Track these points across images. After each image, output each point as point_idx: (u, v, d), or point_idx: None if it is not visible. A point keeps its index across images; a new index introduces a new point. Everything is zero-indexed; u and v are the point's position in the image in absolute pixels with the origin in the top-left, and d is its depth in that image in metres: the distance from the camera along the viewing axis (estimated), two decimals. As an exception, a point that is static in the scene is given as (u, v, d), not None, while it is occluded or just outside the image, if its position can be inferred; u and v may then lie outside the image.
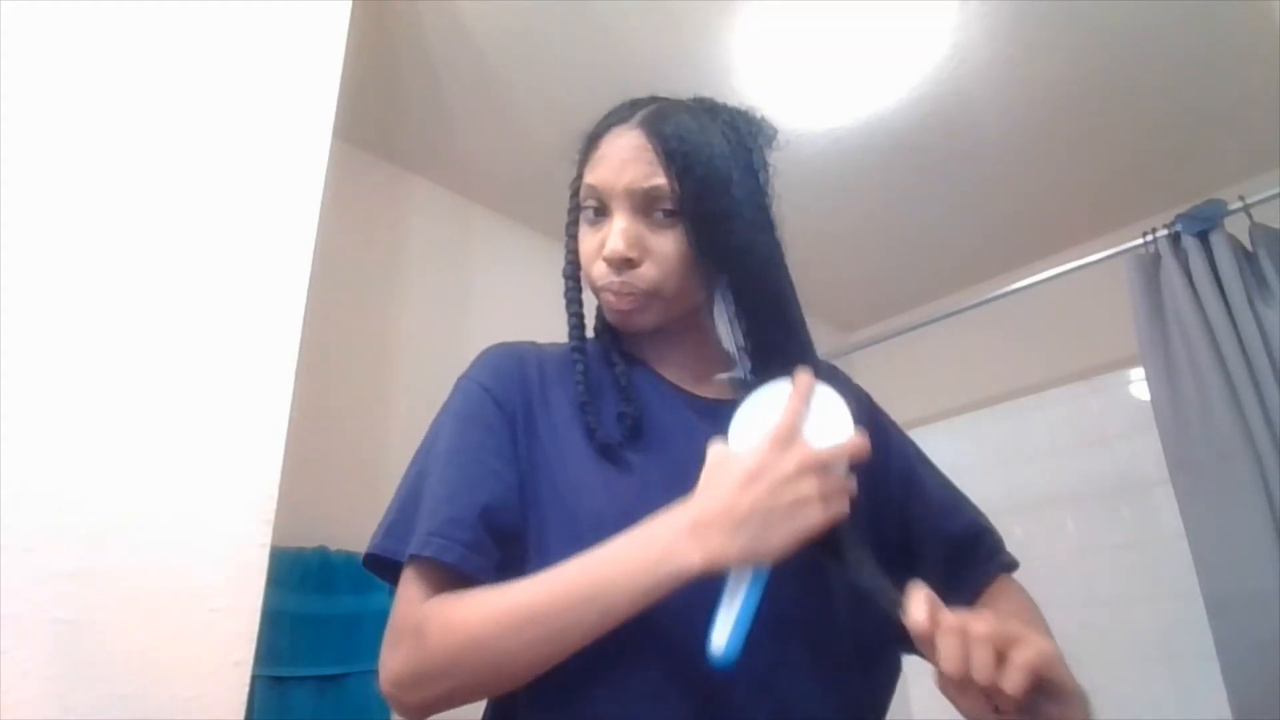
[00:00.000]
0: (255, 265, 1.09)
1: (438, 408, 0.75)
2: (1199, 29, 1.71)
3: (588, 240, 0.73)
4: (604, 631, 0.56)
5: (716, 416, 0.66)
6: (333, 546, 1.60)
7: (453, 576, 0.62)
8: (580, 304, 0.76)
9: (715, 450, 0.61)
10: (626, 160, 0.69)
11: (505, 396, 0.70)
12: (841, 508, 0.58)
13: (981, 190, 2.25)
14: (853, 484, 0.60)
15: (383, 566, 0.66)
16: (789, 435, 0.59)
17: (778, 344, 0.68)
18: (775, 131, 0.77)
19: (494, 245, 2.24)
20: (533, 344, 0.78)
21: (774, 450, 0.58)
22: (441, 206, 2.17)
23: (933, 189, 2.25)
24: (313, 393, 1.21)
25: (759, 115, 0.78)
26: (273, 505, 1.01)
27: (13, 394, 0.84)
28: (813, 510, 0.56)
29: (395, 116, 1.92)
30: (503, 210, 2.25)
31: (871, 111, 1.95)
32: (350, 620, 1.56)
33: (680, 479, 0.61)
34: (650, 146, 0.69)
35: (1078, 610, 2.18)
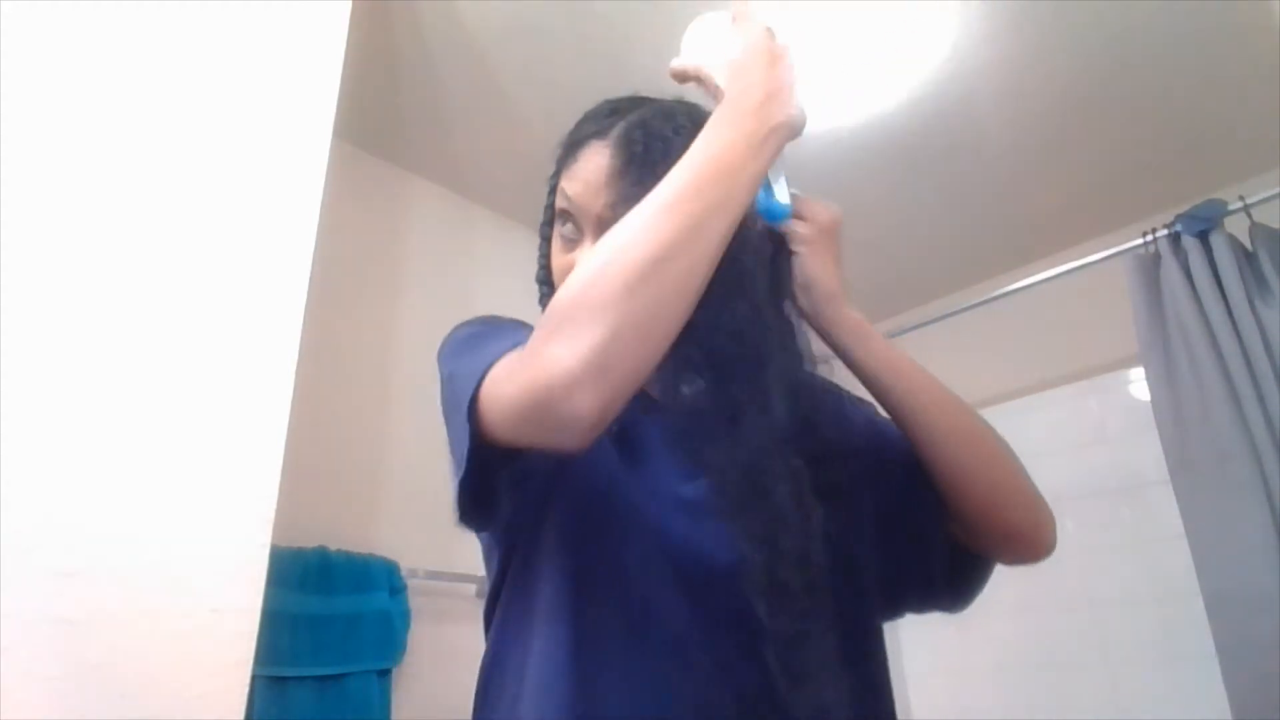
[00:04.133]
0: (255, 265, 1.09)
1: (438, 407, 0.73)
2: (1199, 30, 1.71)
3: (561, 257, 0.71)
4: (732, 227, 0.57)
5: (666, 424, 0.68)
6: (333, 546, 1.60)
7: None
8: None
9: (713, 44, 0.73)
10: (603, 184, 0.67)
11: (509, 322, 0.69)
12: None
13: (981, 190, 2.25)
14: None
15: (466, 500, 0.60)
16: (771, 33, 0.70)
17: (736, 368, 0.64)
18: None
19: (494, 245, 2.24)
20: None
21: (771, 39, 0.69)
22: (441, 206, 2.17)
23: (932, 189, 2.25)
24: (313, 393, 1.21)
25: None
26: (273, 505, 1.01)
27: (13, 393, 0.84)
28: (794, 92, 0.67)
29: (395, 116, 1.92)
30: (503, 210, 2.25)
31: (872, 112, 1.95)
32: (350, 620, 1.56)
33: (663, 480, 0.63)
34: (623, 169, 0.67)
35: (1078, 610, 2.18)
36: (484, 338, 0.63)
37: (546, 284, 0.75)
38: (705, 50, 0.75)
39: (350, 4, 1.33)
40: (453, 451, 0.60)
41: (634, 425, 0.67)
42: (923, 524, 0.71)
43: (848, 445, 0.71)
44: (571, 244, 0.70)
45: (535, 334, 0.54)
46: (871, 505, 0.71)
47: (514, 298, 2.39)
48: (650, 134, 0.68)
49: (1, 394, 0.83)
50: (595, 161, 0.69)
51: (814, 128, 1.98)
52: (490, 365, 0.56)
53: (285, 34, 1.22)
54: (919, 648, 2.39)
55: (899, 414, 0.71)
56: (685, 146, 0.62)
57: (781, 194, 0.71)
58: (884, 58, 1.79)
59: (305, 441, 1.16)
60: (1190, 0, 1.64)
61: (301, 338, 1.10)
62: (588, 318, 0.51)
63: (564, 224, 0.71)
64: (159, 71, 1.06)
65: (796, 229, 0.74)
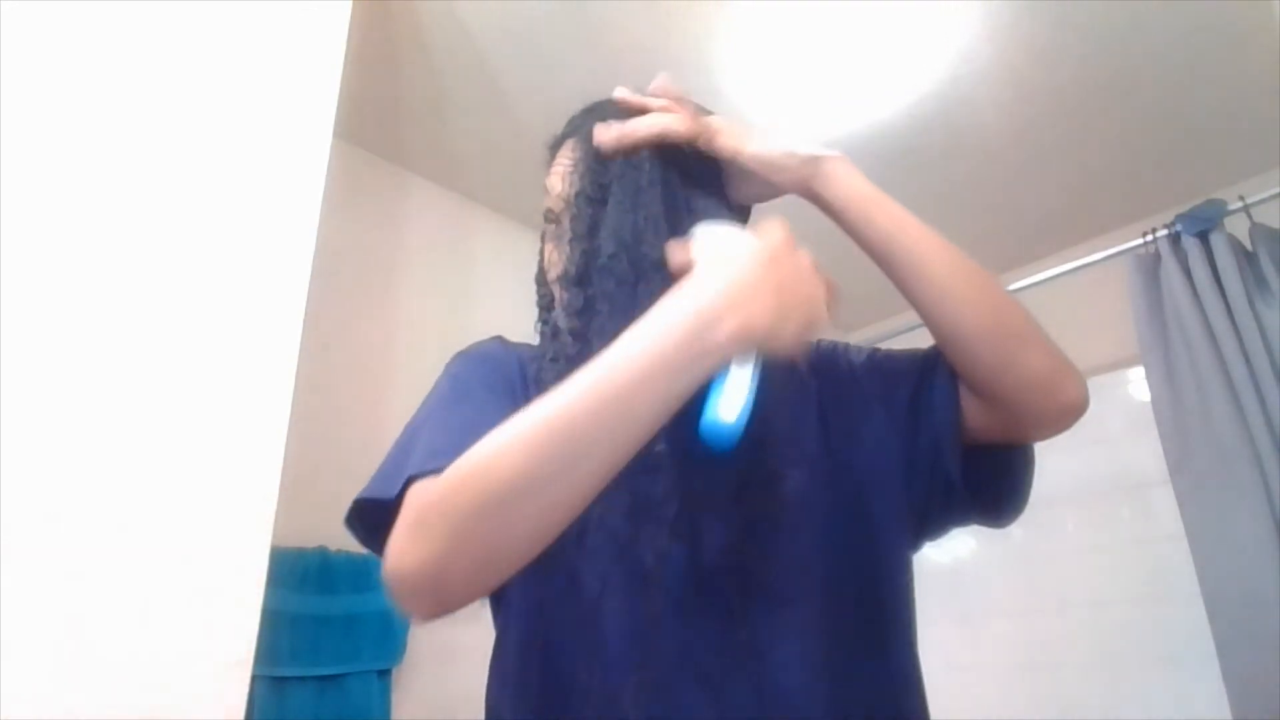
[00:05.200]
0: (256, 265, 1.09)
1: (455, 360, 0.74)
2: (1199, 29, 1.71)
3: (547, 251, 0.74)
4: (636, 447, 0.51)
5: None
6: (333, 546, 1.60)
7: None
8: (547, 309, 0.75)
9: (714, 245, 0.59)
10: (569, 172, 0.70)
11: (504, 371, 0.70)
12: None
13: (981, 190, 2.25)
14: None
15: (367, 524, 0.62)
16: (791, 239, 0.58)
17: None
18: None
19: (494, 245, 2.24)
20: (504, 341, 0.77)
21: (787, 245, 0.57)
22: (441, 206, 2.17)
23: (932, 189, 2.24)
24: (313, 392, 1.21)
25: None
26: (273, 505, 1.01)
27: (13, 393, 0.84)
28: (820, 307, 0.56)
29: (395, 116, 1.92)
30: (503, 210, 2.25)
31: (872, 112, 1.95)
32: (350, 620, 1.56)
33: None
34: (587, 157, 0.69)
35: (1078, 610, 2.18)
36: (450, 408, 0.64)
37: (539, 283, 0.76)
38: (712, 241, 0.62)
39: (350, 4, 1.33)
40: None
41: None
42: (935, 421, 0.66)
43: (850, 376, 0.72)
44: (555, 238, 0.72)
45: (415, 503, 0.53)
46: (884, 422, 0.69)
47: (514, 297, 2.40)
48: (597, 115, 0.70)
49: (1, 393, 0.83)
50: (567, 158, 0.72)
51: (813, 129, 1.99)
52: (410, 479, 0.56)
53: (285, 34, 1.22)
54: (919, 647, 2.39)
55: (884, 263, 0.67)
56: None
57: (728, 408, 0.51)
58: (884, 59, 1.79)
59: (305, 441, 1.16)
60: (1190, 0, 1.64)
61: (301, 337, 1.10)
62: (436, 528, 0.50)
63: (550, 222, 0.73)
64: (159, 71, 1.06)
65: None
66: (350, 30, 1.32)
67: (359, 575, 1.61)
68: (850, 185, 0.66)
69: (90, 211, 0.96)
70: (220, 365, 1.01)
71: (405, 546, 0.51)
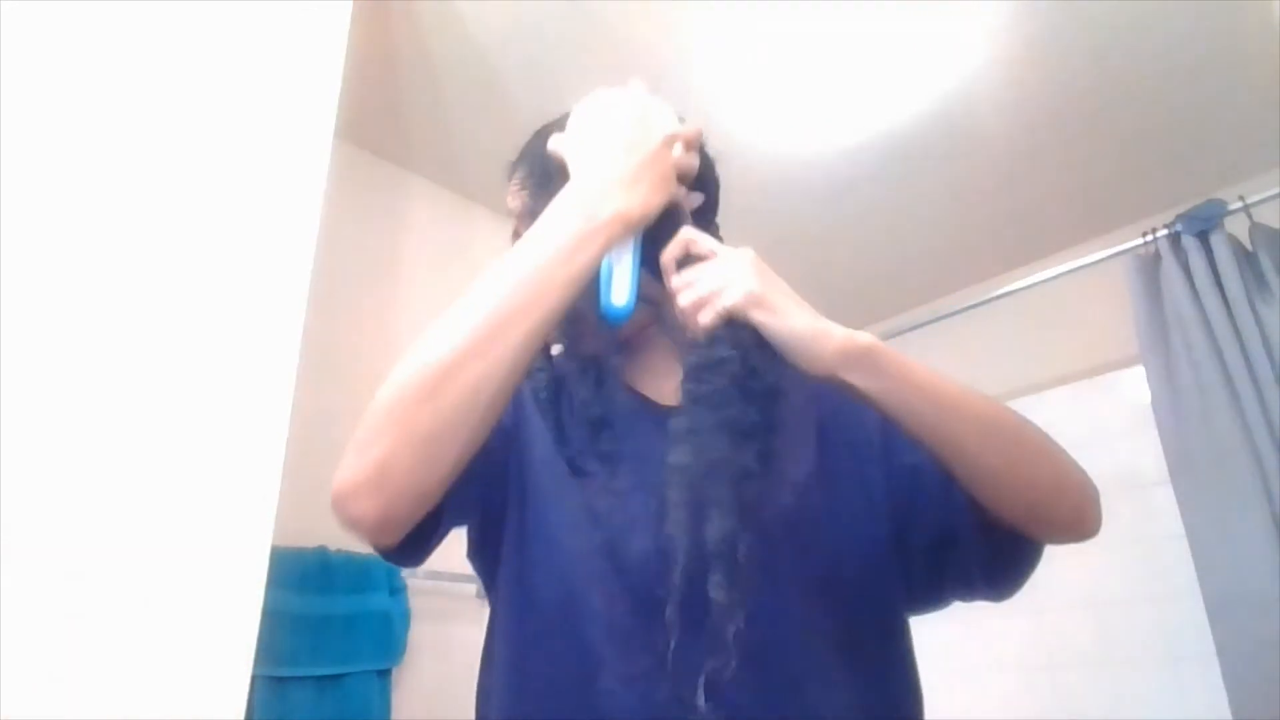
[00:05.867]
0: (256, 265, 1.09)
1: None
2: (1199, 29, 1.71)
3: None
4: (545, 329, 0.58)
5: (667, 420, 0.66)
6: (333, 546, 1.60)
7: None
8: None
9: (593, 107, 0.69)
10: (513, 192, 0.74)
11: None
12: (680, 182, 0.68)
13: (981, 190, 2.25)
14: (693, 159, 0.70)
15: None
16: (647, 118, 0.68)
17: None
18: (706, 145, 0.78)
19: (494, 245, 2.24)
20: None
21: (636, 125, 0.67)
22: (441, 206, 2.17)
23: (932, 189, 2.24)
24: (313, 393, 1.21)
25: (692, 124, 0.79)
26: (273, 505, 1.01)
27: (13, 392, 0.84)
28: (671, 180, 0.66)
29: (395, 116, 1.92)
30: (503, 210, 2.23)
31: (873, 113, 1.95)
32: (350, 620, 1.56)
33: (638, 475, 0.64)
34: (525, 178, 0.73)
35: (1078, 610, 2.18)
36: None
37: None
38: (580, 130, 0.71)
39: (350, 4, 1.33)
40: None
41: (624, 420, 0.69)
42: (947, 521, 0.67)
43: (857, 435, 0.71)
44: None
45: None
46: (885, 498, 0.70)
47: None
48: (538, 140, 0.74)
49: (2, 393, 0.83)
50: (517, 180, 0.78)
51: (813, 128, 1.99)
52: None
53: (285, 34, 1.22)
54: (918, 647, 2.39)
55: (921, 443, 0.63)
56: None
57: (619, 292, 0.61)
58: (885, 60, 1.79)
59: (305, 441, 1.16)
60: (1190, 0, 1.64)
61: (302, 337, 1.10)
62: (374, 432, 0.55)
63: (515, 235, 0.78)
64: (160, 72, 1.06)
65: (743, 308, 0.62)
66: (350, 30, 1.32)
67: (359, 575, 1.61)
68: (889, 378, 0.60)
69: (91, 212, 0.96)
70: (221, 365, 1.01)
71: (349, 456, 0.56)
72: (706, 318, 0.59)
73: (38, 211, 0.91)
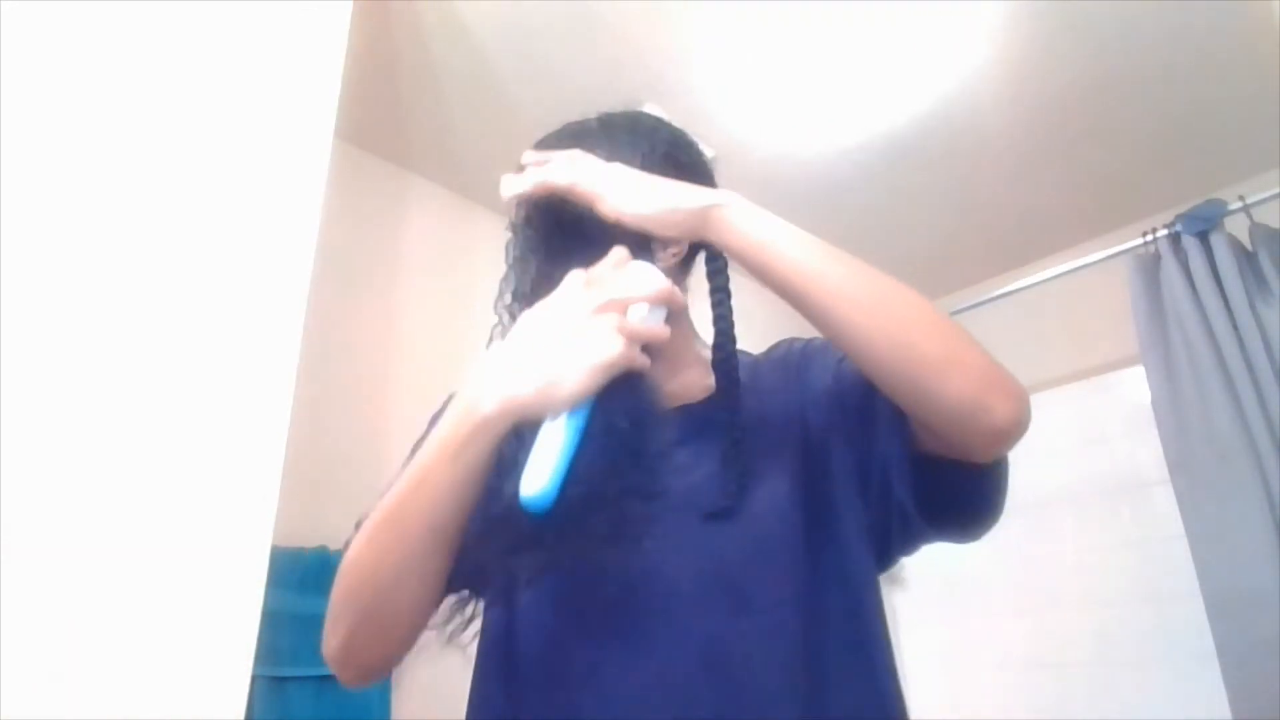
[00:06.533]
0: (256, 265, 1.09)
1: (437, 407, 0.77)
2: (1199, 29, 1.71)
3: None
4: (446, 522, 0.58)
5: (680, 421, 0.67)
6: (333, 546, 1.60)
7: None
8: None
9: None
10: (512, 201, 0.73)
11: None
12: (637, 349, 0.57)
13: (981, 190, 2.25)
14: (665, 329, 0.60)
15: None
16: (590, 281, 0.59)
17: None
18: (691, 144, 0.78)
19: (494, 245, 2.23)
20: None
21: (570, 296, 0.59)
22: (441, 206, 2.17)
23: (932, 190, 2.25)
24: (313, 393, 1.21)
25: (673, 127, 0.78)
26: (273, 505, 1.01)
27: (13, 392, 0.84)
28: (608, 343, 0.55)
29: (395, 116, 1.92)
30: (503, 210, 2.24)
31: (873, 113, 1.95)
32: (350, 620, 1.56)
33: None
34: None
35: (1078, 610, 2.18)
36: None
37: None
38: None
39: (350, 4, 1.33)
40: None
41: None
42: (884, 449, 0.65)
43: (819, 408, 0.71)
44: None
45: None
46: (850, 459, 0.69)
47: (514, 298, 2.37)
48: (575, 145, 0.72)
49: (2, 393, 0.83)
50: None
51: (813, 129, 1.99)
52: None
53: (285, 34, 1.22)
54: (918, 647, 2.39)
55: (786, 294, 0.63)
56: (609, 160, 0.68)
57: (531, 480, 0.53)
58: (885, 60, 1.79)
59: (305, 441, 1.16)
60: (1190, 0, 1.64)
61: (302, 338, 1.10)
62: (337, 615, 0.64)
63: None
64: (160, 72, 1.06)
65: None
66: (350, 30, 1.32)
67: (359, 575, 1.61)
68: (740, 232, 0.63)
69: (91, 212, 0.96)
70: (221, 365, 1.01)
71: (327, 626, 0.65)
72: (538, 184, 0.67)
73: (37, 212, 0.91)
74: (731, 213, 0.63)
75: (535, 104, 1.86)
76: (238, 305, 1.05)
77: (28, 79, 0.94)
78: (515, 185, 0.68)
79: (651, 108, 0.76)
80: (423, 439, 0.73)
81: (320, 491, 1.64)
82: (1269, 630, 1.45)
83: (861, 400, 0.66)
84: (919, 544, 0.70)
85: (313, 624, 1.67)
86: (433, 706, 1.68)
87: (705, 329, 0.79)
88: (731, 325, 0.75)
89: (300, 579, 1.53)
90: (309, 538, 1.57)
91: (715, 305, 0.75)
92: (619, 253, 0.62)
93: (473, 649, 0.72)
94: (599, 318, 0.56)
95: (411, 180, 2.11)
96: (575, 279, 0.60)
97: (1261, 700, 1.44)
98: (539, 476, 0.53)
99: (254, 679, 0.95)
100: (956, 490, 0.64)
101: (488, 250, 2.21)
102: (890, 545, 0.69)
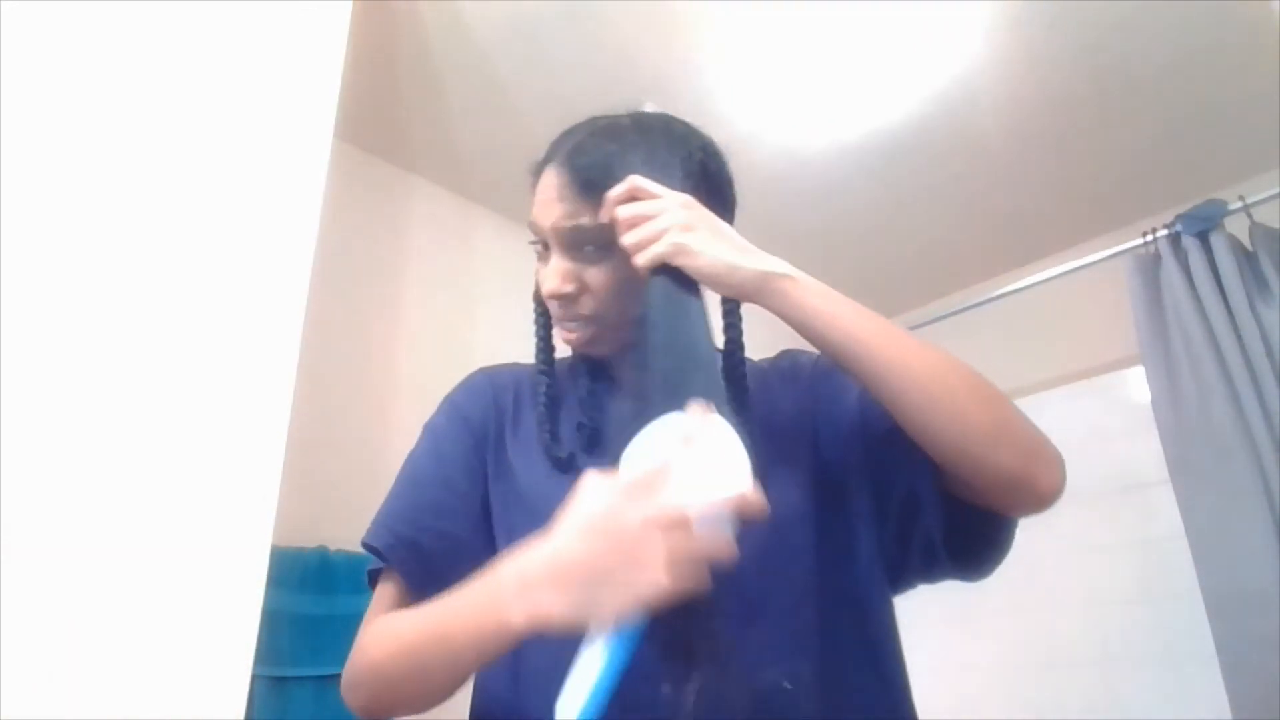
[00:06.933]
0: (256, 265, 1.09)
1: (437, 407, 0.79)
2: (1199, 29, 1.71)
3: (538, 274, 0.77)
4: (471, 670, 0.60)
5: None
6: (333, 546, 1.60)
7: (403, 583, 0.70)
8: (548, 328, 0.79)
9: (583, 487, 0.53)
10: (551, 200, 0.71)
11: (476, 416, 0.76)
12: (697, 575, 0.48)
13: (981, 190, 2.25)
14: (732, 547, 0.49)
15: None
16: (650, 483, 0.50)
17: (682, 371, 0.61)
18: (719, 153, 0.78)
19: (494, 245, 2.24)
20: (515, 367, 0.82)
21: (624, 500, 0.50)
22: (441, 206, 2.17)
23: (932, 189, 2.25)
24: (313, 393, 1.21)
25: (702, 134, 0.78)
26: (273, 505, 1.01)
27: (13, 392, 0.84)
28: (652, 576, 0.47)
29: (395, 116, 1.92)
30: (503, 210, 2.25)
31: (873, 113, 1.95)
32: (350, 620, 1.54)
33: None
34: (571, 184, 0.70)
35: (1078, 610, 2.18)
36: (422, 487, 0.74)
37: (540, 303, 0.79)
38: (640, 458, 0.54)
39: (350, 4, 1.33)
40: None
41: (616, 424, 0.70)
42: (911, 482, 0.67)
43: (836, 429, 0.72)
44: (543, 259, 0.75)
45: (357, 643, 0.72)
46: (867, 483, 0.71)
47: (514, 298, 2.40)
48: (591, 149, 0.72)
49: (2, 393, 0.83)
50: (546, 181, 0.73)
51: (813, 129, 1.99)
52: (380, 567, 0.74)
53: (285, 34, 1.22)
54: (918, 647, 2.39)
55: (841, 364, 0.66)
56: (627, 159, 0.68)
57: (566, 705, 0.47)
58: (885, 60, 1.79)
59: (305, 442, 1.16)
60: (1191, 1, 1.64)
61: (302, 338, 1.10)
62: (359, 692, 0.69)
63: (536, 243, 0.76)
64: (159, 72, 1.06)
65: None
66: (350, 30, 1.32)
67: (359, 575, 1.59)
68: (797, 306, 0.65)
69: (91, 212, 0.96)
70: (221, 366, 1.01)
71: (346, 691, 0.70)
72: (643, 261, 0.64)
73: (37, 212, 0.91)
74: (790, 285, 0.66)
75: (535, 104, 1.86)
76: (238, 306, 1.05)
77: (28, 79, 0.94)
78: (644, 259, 0.64)
79: (650, 108, 0.76)
80: (418, 450, 0.76)
81: (320, 491, 1.64)
82: (1269, 630, 1.45)
83: (886, 435, 0.68)
84: (933, 579, 0.72)
85: (313, 624, 1.68)
86: (433, 706, 1.68)
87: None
88: (740, 334, 0.77)
89: (300, 579, 1.53)
90: (309, 538, 1.57)
91: (725, 314, 0.76)
92: (698, 417, 0.53)
93: None
94: (656, 537, 0.48)
95: (411, 180, 2.11)
96: (636, 458, 0.53)
97: (1261, 700, 1.44)
98: (573, 704, 0.47)
99: (254, 679, 0.95)
100: (979, 533, 0.67)
101: (487, 250, 2.22)
102: (905, 574, 0.71)
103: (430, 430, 0.78)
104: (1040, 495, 0.63)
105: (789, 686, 0.60)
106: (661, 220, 0.64)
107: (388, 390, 1.87)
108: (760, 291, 0.65)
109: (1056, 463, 0.64)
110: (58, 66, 0.97)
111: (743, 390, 0.74)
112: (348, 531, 1.71)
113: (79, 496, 0.87)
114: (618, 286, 0.70)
